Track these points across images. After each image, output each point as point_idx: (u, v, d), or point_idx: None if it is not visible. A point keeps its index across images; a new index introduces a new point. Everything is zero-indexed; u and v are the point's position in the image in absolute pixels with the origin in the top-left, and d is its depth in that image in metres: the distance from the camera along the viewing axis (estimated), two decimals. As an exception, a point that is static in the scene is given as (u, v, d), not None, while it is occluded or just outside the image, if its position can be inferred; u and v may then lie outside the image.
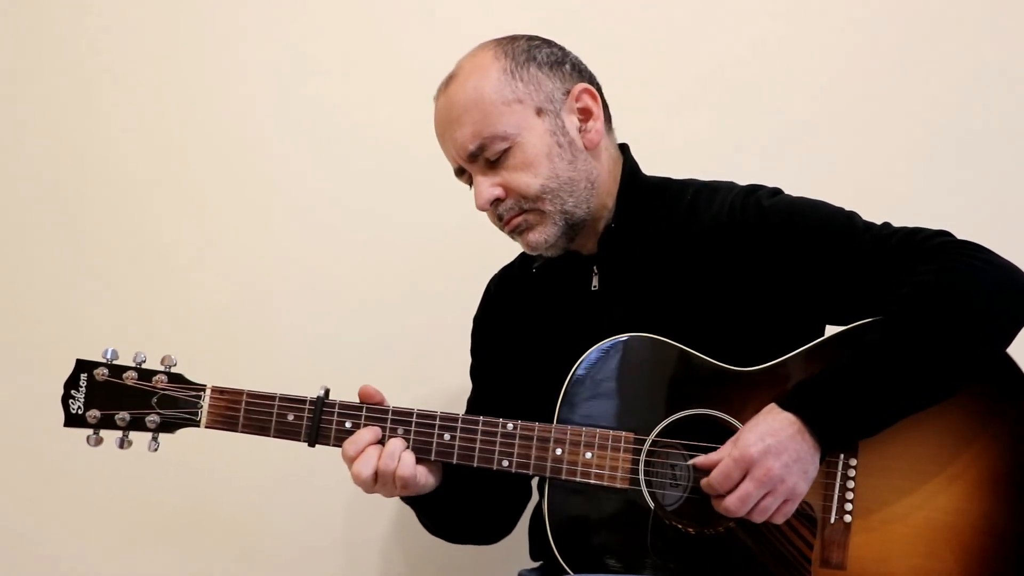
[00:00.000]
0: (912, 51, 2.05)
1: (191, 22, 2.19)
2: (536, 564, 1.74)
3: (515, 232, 1.61)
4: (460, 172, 1.63)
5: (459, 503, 1.66)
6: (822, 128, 2.06)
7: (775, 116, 2.07)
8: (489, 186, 1.58)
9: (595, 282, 1.64)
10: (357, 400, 1.55)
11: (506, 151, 1.56)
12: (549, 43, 1.64)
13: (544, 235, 1.59)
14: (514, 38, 1.62)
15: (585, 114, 1.61)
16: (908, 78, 2.04)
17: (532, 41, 1.62)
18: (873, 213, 1.57)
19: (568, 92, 1.60)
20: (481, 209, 1.60)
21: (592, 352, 1.54)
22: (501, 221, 1.61)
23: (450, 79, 1.60)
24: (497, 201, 1.58)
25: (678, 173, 1.70)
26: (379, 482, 1.51)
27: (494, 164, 1.57)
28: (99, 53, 2.21)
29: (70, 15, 2.21)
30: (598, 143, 1.62)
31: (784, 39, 2.07)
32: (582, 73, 1.64)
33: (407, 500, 1.64)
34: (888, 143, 2.05)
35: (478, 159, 1.57)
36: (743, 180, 1.67)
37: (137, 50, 2.20)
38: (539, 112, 1.57)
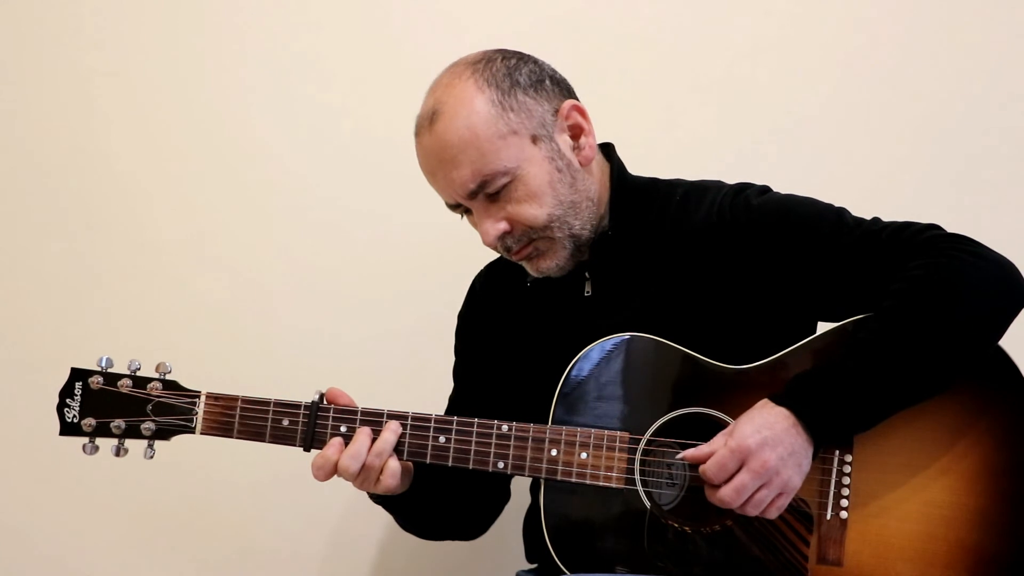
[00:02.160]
0: (912, 52, 2.05)
1: (190, 23, 2.19)
2: (532, 566, 1.73)
3: (524, 260, 1.59)
4: (454, 207, 1.59)
5: (432, 504, 1.66)
6: (821, 128, 2.06)
7: (774, 116, 2.07)
8: (494, 223, 1.55)
9: (588, 288, 1.64)
10: (344, 403, 1.55)
11: (507, 184, 1.53)
12: (523, 58, 1.59)
13: (555, 260, 1.58)
14: (488, 60, 1.57)
15: (576, 131, 1.59)
16: (908, 79, 2.05)
17: (508, 61, 1.57)
18: (872, 213, 1.57)
19: (557, 111, 1.57)
20: (490, 247, 1.57)
21: (586, 352, 1.54)
22: (509, 252, 1.58)
23: (434, 116, 1.53)
24: (504, 235, 1.56)
25: (676, 173, 1.70)
26: (361, 476, 1.51)
27: (495, 197, 1.54)
28: (96, 51, 2.20)
29: (69, 16, 2.21)
30: (592, 159, 1.60)
31: (783, 40, 2.08)
32: (560, 85, 1.60)
33: (377, 500, 1.63)
34: (887, 143, 2.05)
35: (477, 195, 1.54)
36: (740, 179, 1.66)
37: (132, 49, 2.20)
38: (535, 140, 1.55)
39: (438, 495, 1.65)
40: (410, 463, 1.58)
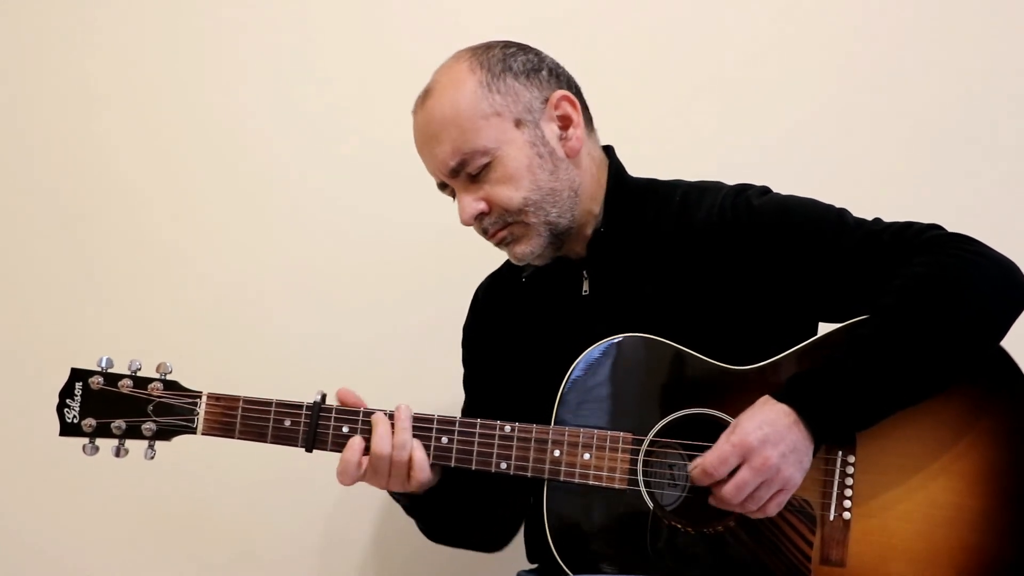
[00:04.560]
0: (912, 51, 2.06)
1: (189, 24, 2.19)
2: (533, 566, 1.73)
3: (501, 244, 1.61)
4: (443, 186, 1.62)
5: (460, 504, 1.65)
6: (822, 129, 2.07)
7: (774, 117, 2.07)
8: (472, 201, 1.57)
9: (585, 287, 1.64)
10: (352, 403, 1.54)
11: (487, 165, 1.56)
12: (524, 49, 1.62)
13: (530, 247, 1.59)
14: (488, 47, 1.61)
15: (565, 121, 1.60)
16: (908, 79, 2.05)
17: (507, 49, 1.60)
18: (873, 213, 1.57)
19: (547, 100, 1.59)
20: (465, 224, 1.59)
21: (588, 353, 1.54)
22: (487, 234, 1.61)
23: (426, 94, 1.59)
24: (481, 215, 1.58)
25: (676, 173, 1.70)
26: (393, 475, 1.51)
27: (476, 178, 1.57)
28: (97, 54, 2.20)
29: (70, 18, 2.21)
30: (579, 150, 1.61)
31: (783, 40, 2.08)
32: (559, 78, 1.62)
33: (407, 504, 1.63)
34: (888, 144, 2.05)
35: (460, 174, 1.57)
36: (741, 179, 1.66)
37: (133, 51, 2.20)
38: (518, 124, 1.57)
39: (466, 498, 1.64)
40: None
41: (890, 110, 2.05)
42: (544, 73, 1.60)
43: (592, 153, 1.65)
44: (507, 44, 1.62)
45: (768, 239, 1.56)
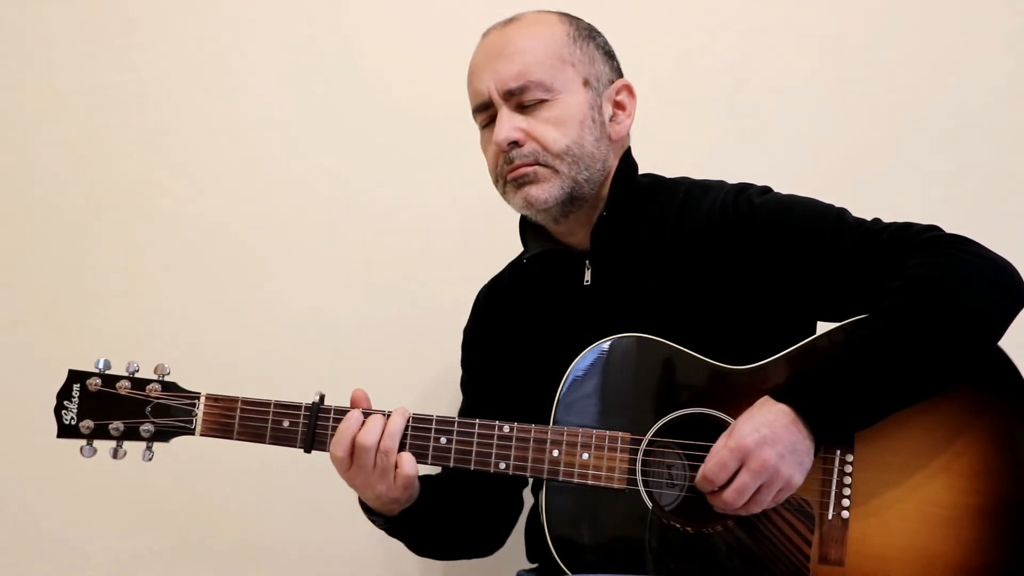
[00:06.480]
0: (912, 52, 2.06)
1: (195, 21, 2.18)
2: (533, 566, 1.73)
3: (516, 182, 1.59)
4: (482, 108, 1.62)
5: (444, 518, 1.65)
6: (822, 128, 2.07)
7: (774, 116, 2.08)
8: (512, 126, 1.58)
9: (587, 277, 1.65)
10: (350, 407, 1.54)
11: (542, 102, 1.58)
12: (603, 35, 1.69)
13: (547, 192, 1.58)
14: (576, 16, 1.67)
15: (619, 108, 1.65)
16: (908, 80, 2.06)
17: (592, 26, 1.67)
18: (872, 214, 1.58)
19: (612, 81, 1.65)
20: (499, 144, 1.58)
21: (587, 353, 1.54)
22: (509, 165, 1.59)
23: (510, 20, 1.63)
24: (514, 144, 1.58)
25: (678, 173, 1.71)
26: (377, 467, 1.50)
27: (524, 109, 1.59)
28: (103, 52, 2.20)
29: (76, 16, 2.20)
30: (622, 138, 1.66)
31: (783, 40, 2.09)
32: (621, 74, 1.69)
33: (390, 526, 1.62)
34: (887, 145, 2.06)
35: (511, 99, 1.59)
36: (742, 180, 1.67)
37: (138, 48, 2.19)
38: (586, 83, 1.61)
39: (449, 508, 1.65)
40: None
41: (888, 111, 2.06)
42: (615, 61, 1.68)
43: (622, 147, 1.68)
44: (591, 25, 1.68)
45: (768, 237, 1.56)
